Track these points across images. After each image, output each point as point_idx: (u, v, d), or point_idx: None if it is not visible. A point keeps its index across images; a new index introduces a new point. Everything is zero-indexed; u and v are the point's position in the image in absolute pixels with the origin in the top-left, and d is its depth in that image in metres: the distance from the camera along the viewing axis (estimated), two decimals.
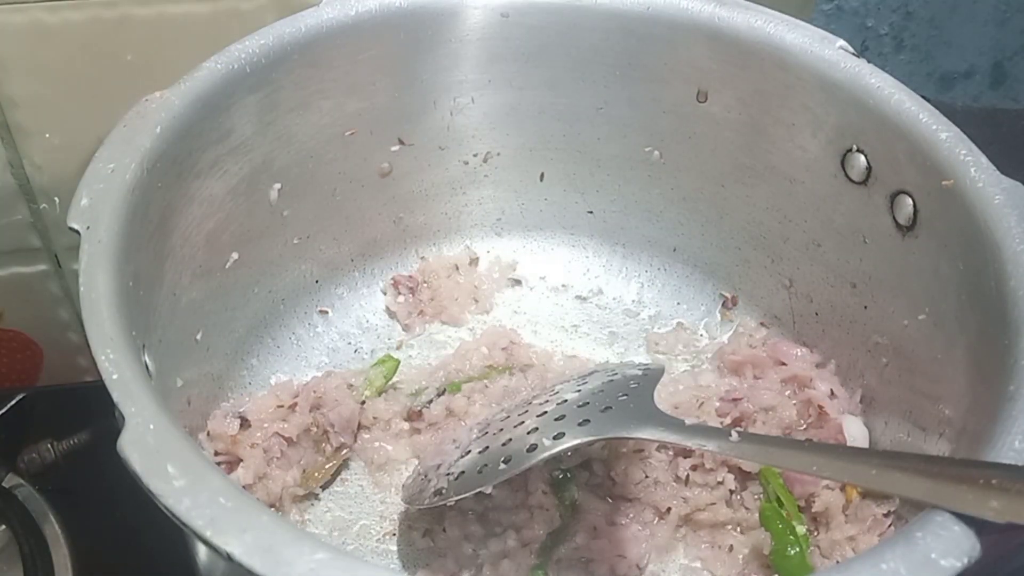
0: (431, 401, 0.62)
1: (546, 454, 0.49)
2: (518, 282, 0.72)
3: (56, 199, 0.66)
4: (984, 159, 0.51)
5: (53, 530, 0.59)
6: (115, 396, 0.39)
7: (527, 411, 0.54)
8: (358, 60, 0.60)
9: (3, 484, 0.60)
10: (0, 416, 0.64)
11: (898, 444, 0.56)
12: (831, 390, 0.59)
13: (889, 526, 0.54)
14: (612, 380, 0.56)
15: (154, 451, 0.37)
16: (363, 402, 0.61)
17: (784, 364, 0.63)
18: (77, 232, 0.45)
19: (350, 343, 0.67)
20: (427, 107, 0.65)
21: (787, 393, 0.61)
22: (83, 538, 0.59)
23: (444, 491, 0.52)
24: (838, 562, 0.54)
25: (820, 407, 0.59)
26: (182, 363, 0.54)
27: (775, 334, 0.66)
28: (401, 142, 0.65)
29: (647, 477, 0.58)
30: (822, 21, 0.83)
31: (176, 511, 0.35)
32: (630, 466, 0.58)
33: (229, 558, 0.34)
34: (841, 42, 0.57)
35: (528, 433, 0.51)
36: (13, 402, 0.65)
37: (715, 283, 0.69)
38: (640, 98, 0.64)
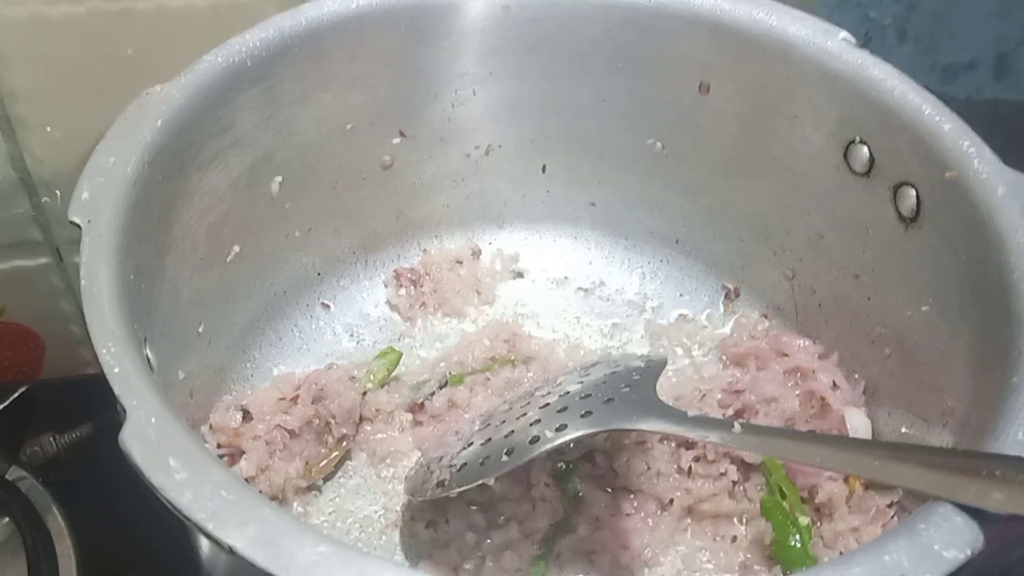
0: (433, 393, 0.61)
1: (548, 446, 0.49)
2: (520, 274, 0.72)
3: (57, 192, 0.66)
4: (987, 151, 0.51)
5: (56, 522, 0.59)
6: (117, 389, 0.39)
7: (529, 403, 0.55)
8: (359, 53, 0.60)
9: (6, 477, 0.60)
10: (2, 409, 0.64)
11: (901, 435, 0.56)
12: (833, 381, 0.59)
13: (892, 517, 0.54)
14: (614, 372, 0.56)
15: (156, 444, 0.37)
16: (365, 394, 0.61)
17: (786, 355, 0.62)
18: (78, 226, 0.45)
19: (352, 335, 0.67)
20: (428, 99, 0.64)
21: (789, 384, 0.61)
22: (86, 530, 0.59)
23: (447, 483, 0.52)
24: (841, 553, 0.54)
25: (822, 398, 0.59)
26: (184, 356, 0.54)
27: (777, 326, 0.66)
28: (402, 134, 0.65)
29: (649, 468, 0.58)
30: (825, 13, 0.83)
31: (178, 504, 0.35)
32: (632, 457, 0.58)
33: (231, 551, 0.34)
34: (844, 33, 0.57)
35: (530, 425, 0.51)
36: (15, 395, 0.65)
37: (718, 274, 0.69)
38: (642, 90, 0.64)
